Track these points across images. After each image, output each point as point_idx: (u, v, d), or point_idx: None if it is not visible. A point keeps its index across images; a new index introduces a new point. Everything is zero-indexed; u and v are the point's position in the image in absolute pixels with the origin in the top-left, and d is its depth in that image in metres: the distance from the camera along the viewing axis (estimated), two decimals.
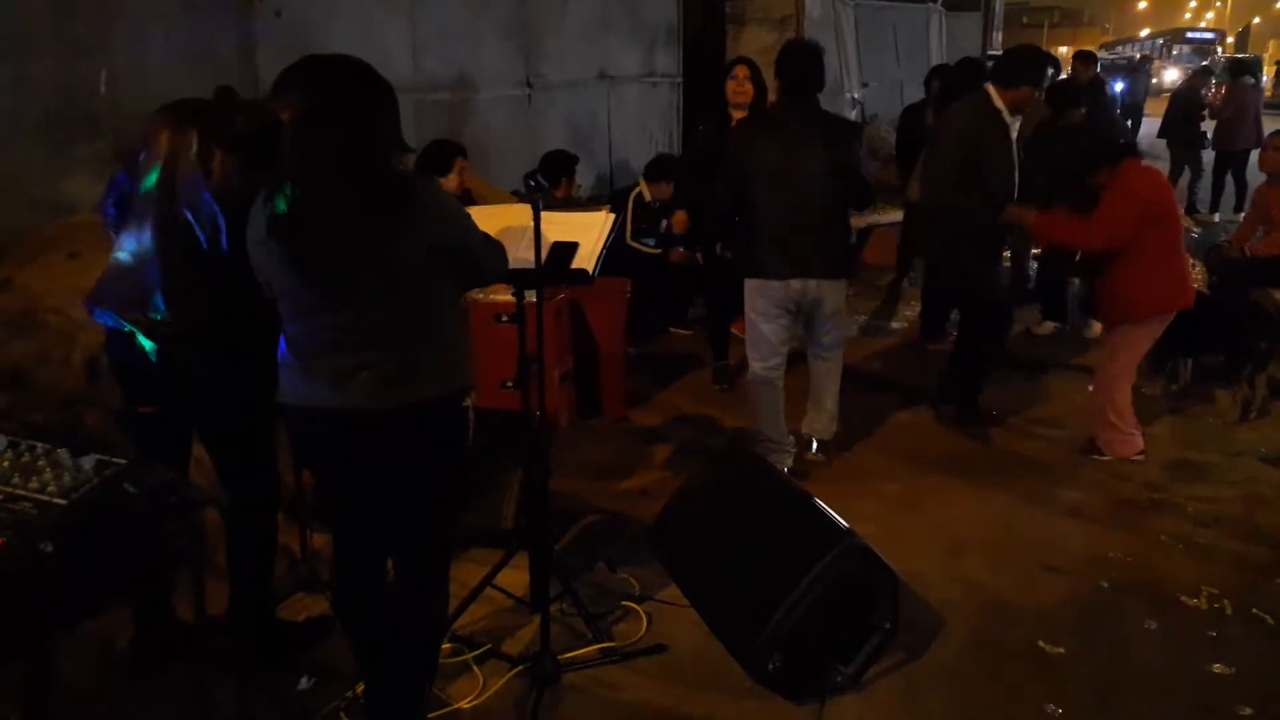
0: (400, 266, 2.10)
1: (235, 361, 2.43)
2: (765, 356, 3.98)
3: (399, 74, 6.36)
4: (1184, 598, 3.22)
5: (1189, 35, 40.43)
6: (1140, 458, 4.27)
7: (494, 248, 2.44)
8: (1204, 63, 16.92)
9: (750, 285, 3.95)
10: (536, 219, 2.50)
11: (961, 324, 4.85)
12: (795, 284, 3.85)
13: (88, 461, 1.76)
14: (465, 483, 2.46)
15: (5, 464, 1.79)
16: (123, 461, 1.79)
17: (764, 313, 3.94)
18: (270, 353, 2.24)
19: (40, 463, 1.75)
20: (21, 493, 1.68)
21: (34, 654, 1.75)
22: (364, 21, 6.37)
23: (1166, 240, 4.07)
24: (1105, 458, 4.29)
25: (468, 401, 2.32)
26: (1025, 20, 48.95)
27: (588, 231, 2.82)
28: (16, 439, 1.83)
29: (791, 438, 4.16)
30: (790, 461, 4.12)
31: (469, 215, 2.32)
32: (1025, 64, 4.35)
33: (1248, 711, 2.67)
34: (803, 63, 3.87)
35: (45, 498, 1.65)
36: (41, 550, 1.49)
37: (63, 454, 1.77)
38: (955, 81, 5.84)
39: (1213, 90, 12.10)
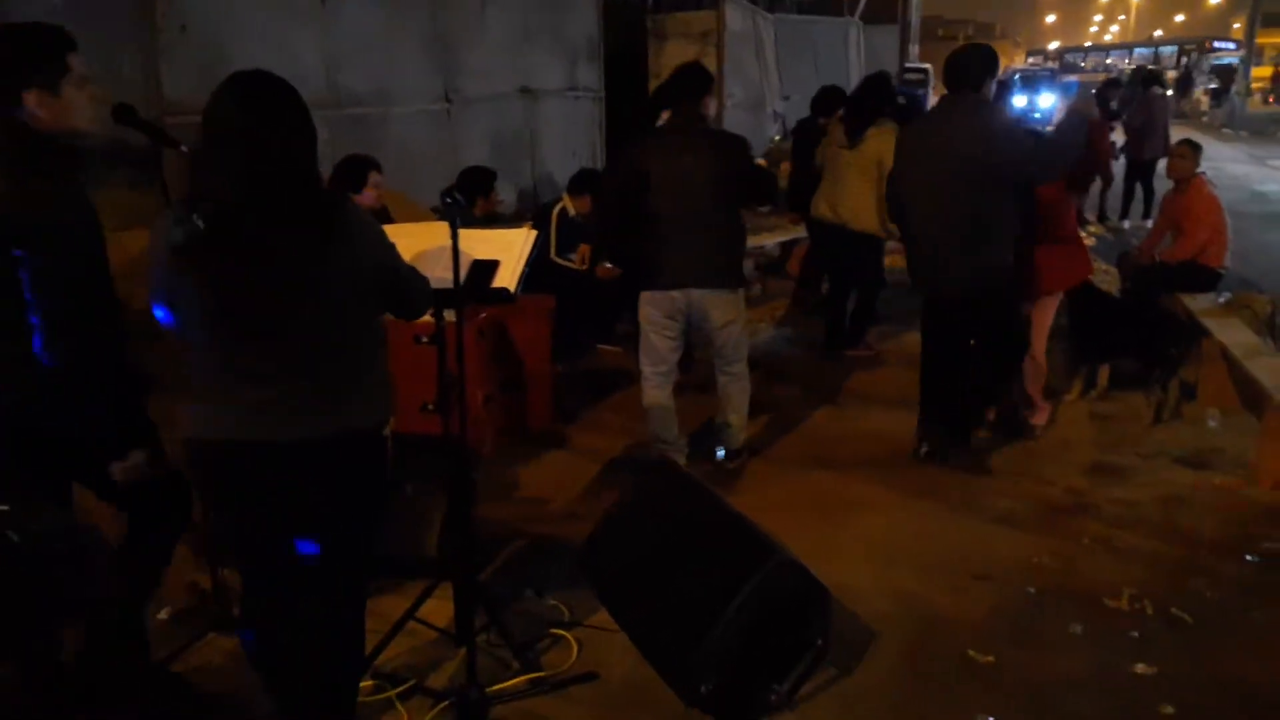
0: (322, 289, 2.03)
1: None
2: (655, 363, 4.10)
3: (312, 89, 6.18)
4: (1107, 600, 3.27)
5: (1217, 44, 35.73)
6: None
7: (419, 281, 2.37)
8: (1111, 75, 17.52)
9: (643, 295, 4.05)
10: (455, 237, 2.42)
11: (979, 354, 4.35)
12: (677, 294, 3.93)
13: None
14: (383, 515, 2.36)
15: None
16: (6, 508, 1.67)
17: (652, 321, 4.04)
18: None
19: None
20: None
21: None
22: (275, 36, 6.20)
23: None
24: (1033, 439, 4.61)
25: (387, 430, 2.24)
26: (940, 33, 50.29)
27: (509, 249, 2.75)
28: None
29: (684, 439, 4.25)
30: (684, 459, 4.19)
31: (394, 248, 2.25)
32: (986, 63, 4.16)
33: (1169, 710, 2.71)
34: (681, 80, 3.97)
35: None
36: None
37: None
38: (867, 98, 5.82)
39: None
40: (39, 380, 2.07)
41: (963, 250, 4.02)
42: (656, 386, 4.12)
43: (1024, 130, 4.48)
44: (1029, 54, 54.08)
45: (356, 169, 4.33)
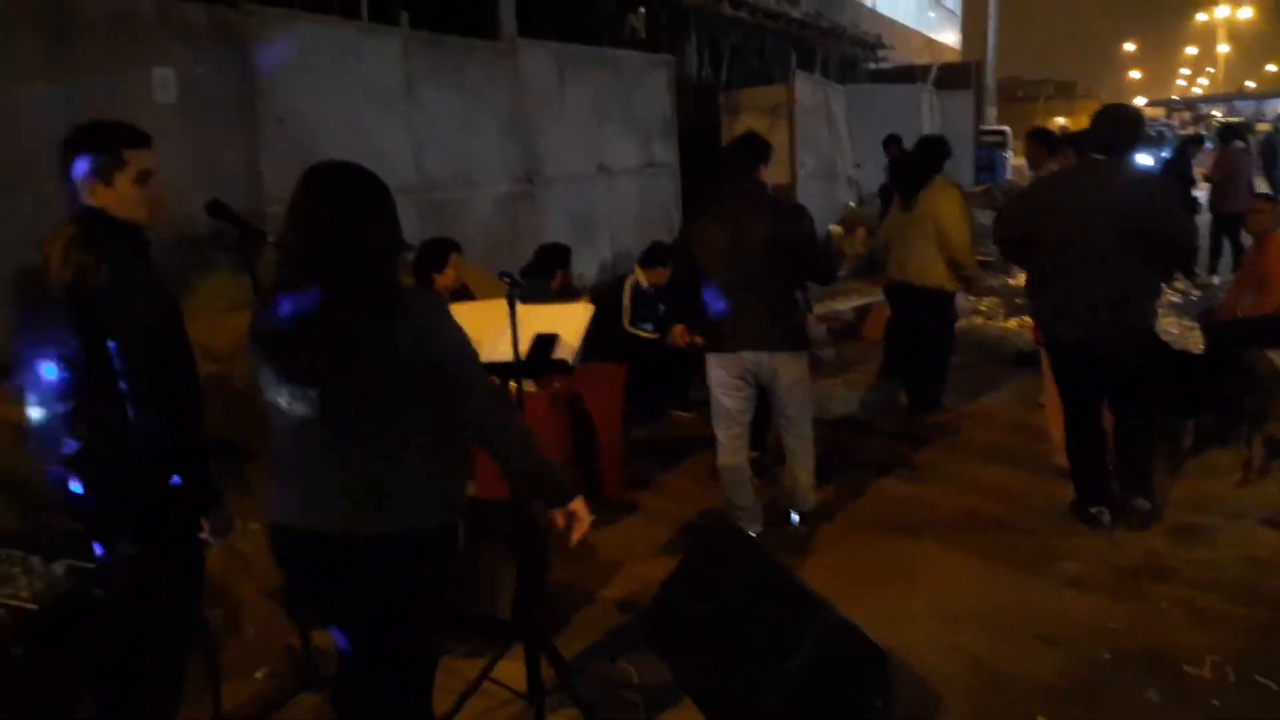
0: (388, 382, 2.05)
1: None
2: (728, 426, 4.18)
3: (400, 175, 6.61)
4: (1187, 666, 3.19)
5: None
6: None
7: (505, 414, 2.29)
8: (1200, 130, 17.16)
9: (709, 359, 4.16)
10: (513, 314, 2.59)
11: (1134, 404, 4.32)
12: (747, 356, 4.03)
13: (59, 566, 1.83)
14: (449, 602, 2.37)
15: None
16: (92, 565, 1.85)
17: (722, 384, 4.14)
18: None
19: (15, 570, 1.83)
20: None
21: None
22: (364, 125, 6.63)
23: None
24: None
25: (458, 518, 2.23)
26: (1020, 94, 49.94)
27: (567, 323, 2.92)
28: None
29: (760, 505, 4.29)
30: (759, 528, 4.22)
31: (477, 358, 2.24)
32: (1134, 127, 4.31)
33: None
34: (741, 149, 4.17)
35: (18, 603, 1.72)
36: (11, 653, 1.55)
37: (36, 561, 1.84)
38: (919, 161, 5.97)
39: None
40: (133, 447, 2.29)
41: (1111, 308, 4.07)
42: (730, 450, 4.20)
43: (1179, 203, 4.70)
44: (1151, 103, 46.76)
45: (438, 251, 4.59)
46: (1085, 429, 4.33)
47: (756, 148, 4.16)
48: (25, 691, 1.58)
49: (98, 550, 2.25)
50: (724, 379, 4.13)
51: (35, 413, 2.41)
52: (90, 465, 2.33)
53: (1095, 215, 4.02)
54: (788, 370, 4.08)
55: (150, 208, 2.45)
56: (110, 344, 2.25)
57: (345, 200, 2.07)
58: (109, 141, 2.38)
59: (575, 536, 2.36)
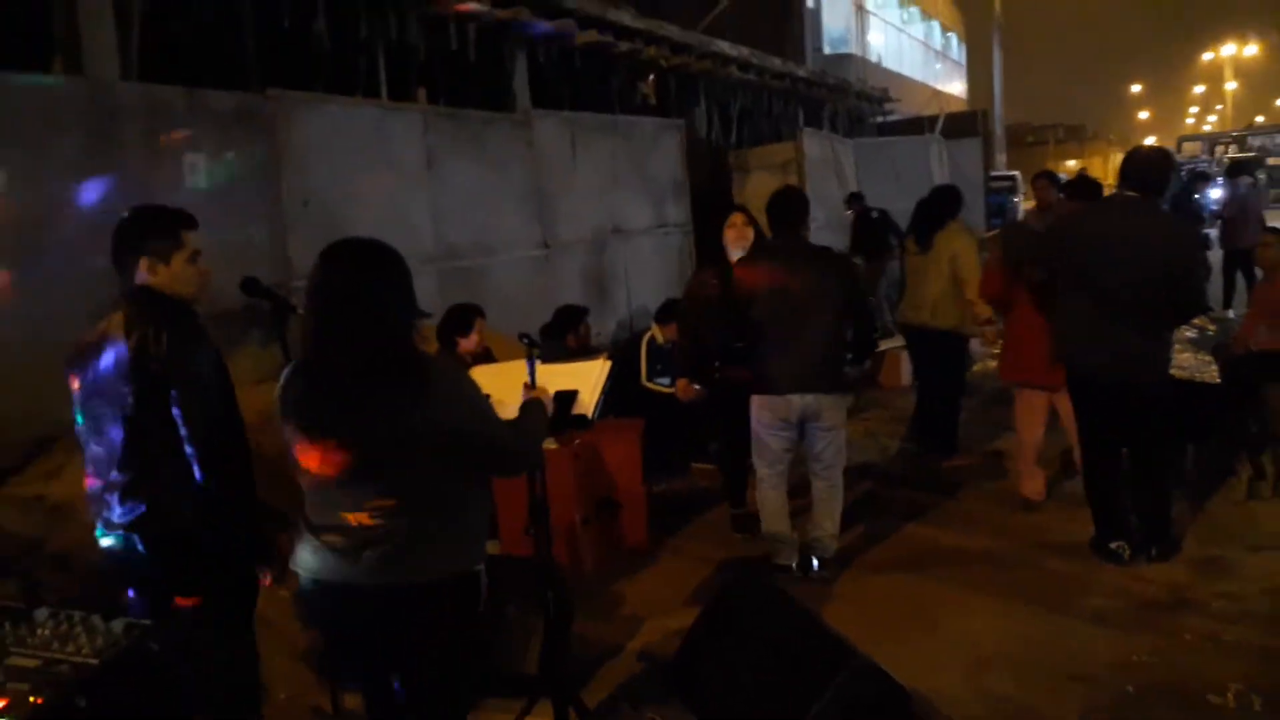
0: (408, 443, 2.16)
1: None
2: (771, 463, 4.36)
3: (422, 245, 6.83)
4: (1212, 696, 3.21)
5: None
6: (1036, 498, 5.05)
7: (522, 447, 2.50)
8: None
9: (756, 400, 4.32)
10: (532, 372, 2.72)
11: (1154, 455, 4.37)
12: (795, 399, 4.20)
13: (118, 625, 1.98)
14: (476, 650, 2.45)
15: (46, 631, 2.00)
16: (148, 623, 1.99)
17: (768, 425, 4.31)
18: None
19: (77, 629, 1.98)
20: (60, 656, 1.89)
21: None
22: (387, 200, 6.85)
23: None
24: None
25: (479, 567, 2.34)
26: (1029, 139, 50.34)
27: (585, 379, 3.04)
28: (57, 609, 2.06)
29: (796, 539, 4.42)
30: (795, 557, 4.38)
31: (490, 408, 2.40)
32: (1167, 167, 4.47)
33: None
34: (787, 203, 4.45)
35: (80, 659, 1.87)
36: (76, 705, 1.68)
37: (96, 619, 1.99)
38: (933, 207, 6.19)
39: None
40: (199, 505, 2.45)
41: (1145, 345, 4.21)
42: (771, 486, 4.39)
43: (1199, 248, 4.96)
44: (1183, 140, 42.83)
45: (463, 317, 4.76)
46: (1107, 466, 4.38)
47: (804, 200, 4.50)
48: None
49: (142, 607, 2.40)
50: (770, 420, 4.29)
51: (96, 482, 2.57)
52: (156, 526, 2.47)
53: (1139, 253, 4.11)
54: (831, 414, 4.27)
55: (199, 284, 2.64)
56: (175, 410, 2.42)
57: (360, 273, 2.22)
58: (168, 224, 2.59)
59: None
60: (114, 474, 2.51)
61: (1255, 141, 35.15)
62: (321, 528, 2.25)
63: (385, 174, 6.91)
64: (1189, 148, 37.38)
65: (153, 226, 2.61)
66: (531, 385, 2.73)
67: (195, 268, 2.64)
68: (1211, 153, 34.55)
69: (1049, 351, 4.53)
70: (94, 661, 1.83)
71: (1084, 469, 4.50)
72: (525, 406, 2.64)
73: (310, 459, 2.22)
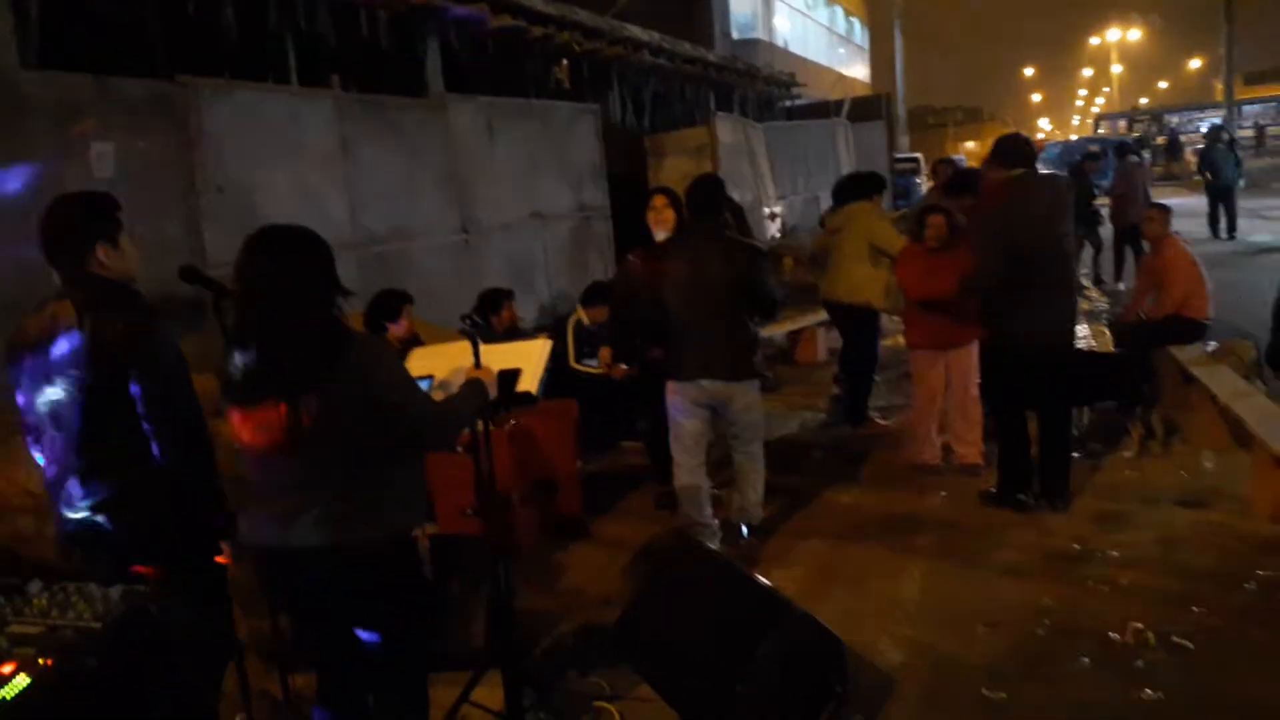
0: (335, 414, 2.28)
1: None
2: (688, 450, 4.45)
3: (339, 232, 6.78)
4: (1112, 634, 3.49)
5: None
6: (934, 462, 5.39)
7: (442, 422, 2.59)
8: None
9: (670, 386, 4.42)
10: (476, 354, 2.80)
11: (1062, 414, 4.77)
12: (706, 384, 4.31)
13: (115, 591, 2.04)
14: (426, 611, 2.61)
15: (44, 602, 2.05)
16: (144, 588, 2.05)
17: (682, 409, 4.41)
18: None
19: (74, 597, 2.03)
20: (61, 622, 1.95)
21: None
22: (302, 187, 6.78)
23: None
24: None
25: (416, 532, 2.50)
26: (931, 121, 51.77)
27: (528, 358, 3.12)
28: (50, 582, 2.10)
29: (717, 521, 4.53)
30: (717, 543, 4.46)
31: (413, 383, 2.53)
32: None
33: None
34: (705, 191, 4.48)
35: (83, 624, 1.92)
36: (88, 665, 1.73)
37: (92, 587, 2.05)
38: (846, 187, 6.67)
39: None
40: (162, 483, 2.48)
41: (1071, 314, 4.69)
42: (689, 473, 4.47)
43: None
44: (1100, 119, 45.58)
45: (391, 303, 4.78)
46: (1020, 427, 4.71)
47: (719, 188, 4.54)
48: (105, 699, 1.77)
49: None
50: (683, 404, 4.39)
51: (54, 468, 2.56)
52: (120, 508, 2.49)
53: (1057, 225, 4.51)
54: (742, 398, 4.37)
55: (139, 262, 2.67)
56: (133, 388, 2.43)
57: (283, 257, 2.36)
58: (110, 207, 2.59)
59: None
60: (74, 459, 2.52)
61: (1173, 119, 38.55)
62: (260, 497, 2.38)
63: (300, 161, 6.84)
64: (1108, 126, 41.22)
65: (100, 212, 2.61)
66: (477, 365, 2.80)
67: (134, 245, 2.66)
68: (1130, 129, 37.54)
69: (944, 319, 5.05)
70: (96, 625, 1.90)
71: (999, 429, 4.79)
72: (467, 384, 2.74)
73: (245, 432, 2.35)
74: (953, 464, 5.38)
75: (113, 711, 1.80)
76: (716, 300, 4.27)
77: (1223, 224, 13.94)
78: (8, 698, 1.67)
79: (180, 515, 2.53)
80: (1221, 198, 14.00)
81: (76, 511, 2.52)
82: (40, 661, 1.75)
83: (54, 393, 2.51)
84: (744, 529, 4.59)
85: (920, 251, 5.33)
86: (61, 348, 2.48)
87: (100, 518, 2.51)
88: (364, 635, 2.50)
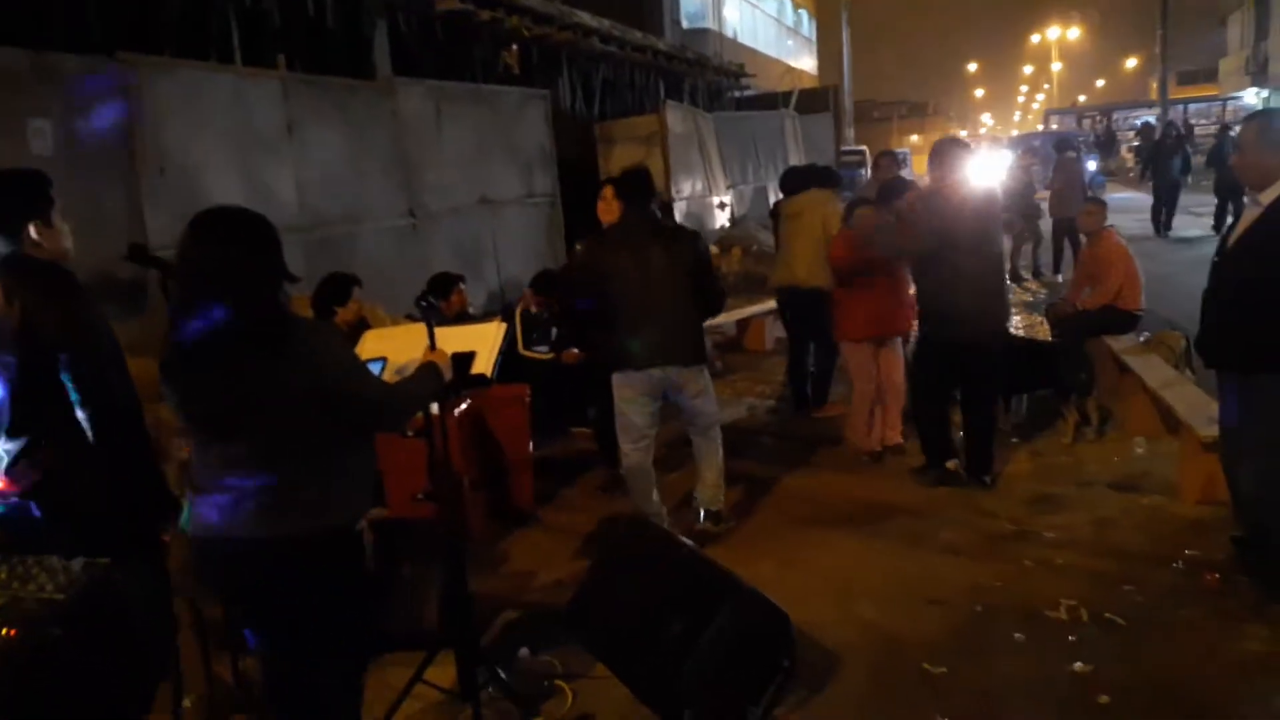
0: (281, 402, 2.24)
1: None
2: (634, 440, 4.44)
3: (285, 214, 6.69)
4: (1047, 611, 3.62)
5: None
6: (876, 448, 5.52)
7: (395, 405, 2.55)
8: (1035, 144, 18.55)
9: (616, 377, 4.41)
10: (431, 336, 2.80)
11: (986, 393, 5.01)
12: (656, 372, 4.32)
13: (76, 564, 2.01)
14: (365, 605, 2.53)
15: (4, 574, 2.02)
16: (105, 561, 2.03)
17: (630, 400, 4.39)
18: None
19: (34, 570, 2.01)
20: (23, 594, 1.93)
21: None
22: (246, 169, 6.67)
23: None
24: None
25: (361, 525, 2.43)
26: (876, 115, 52.43)
27: (482, 341, 3.14)
28: (8, 555, 2.06)
29: (665, 509, 4.58)
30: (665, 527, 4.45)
31: (363, 367, 2.48)
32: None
33: (1105, 699, 3.05)
34: (634, 182, 4.48)
35: (46, 595, 1.91)
36: (51, 634, 1.72)
37: (53, 560, 2.02)
38: (796, 176, 6.86)
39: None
40: (96, 468, 2.42)
41: (996, 307, 4.97)
42: (637, 464, 4.46)
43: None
44: (1050, 114, 45.99)
45: (340, 286, 4.73)
46: (942, 405, 5.04)
47: (648, 177, 4.51)
48: (68, 670, 1.76)
49: None
50: (632, 395, 4.38)
51: None
52: (52, 492, 2.44)
53: (981, 226, 4.77)
54: (693, 382, 4.40)
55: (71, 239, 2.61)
56: (64, 374, 2.37)
57: (228, 241, 2.27)
58: (40, 184, 2.52)
59: None
60: (3, 442, 2.46)
61: (1118, 115, 39.32)
62: (203, 486, 2.31)
63: (245, 141, 6.72)
64: (1060, 121, 41.65)
65: (31, 189, 2.54)
66: (432, 347, 2.80)
67: (68, 223, 2.62)
68: (1079, 125, 38.37)
69: (875, 310, 5.38)
70: (60, 597, 1.88)
71: (920, 409, 5.09)
72: (422, 367, 2.73)
73: (188, 420, 2.30)
74: (883, 446, 5.55)
75: (76, 680, 1.79)
76: (669, 287, 4.29)
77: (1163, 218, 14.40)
78: None
79: (115, 499, 2.49)
80: (1167, 194, 14.47)
81: (6, 497, 2.47)
82: (4, 632, 1.74)
83: None
84: (702, 513, 4.61)
85: (851, 236, 5.51)
86: None
87: (31, 504, 2.46)
88: (302, 627, 2.41)
